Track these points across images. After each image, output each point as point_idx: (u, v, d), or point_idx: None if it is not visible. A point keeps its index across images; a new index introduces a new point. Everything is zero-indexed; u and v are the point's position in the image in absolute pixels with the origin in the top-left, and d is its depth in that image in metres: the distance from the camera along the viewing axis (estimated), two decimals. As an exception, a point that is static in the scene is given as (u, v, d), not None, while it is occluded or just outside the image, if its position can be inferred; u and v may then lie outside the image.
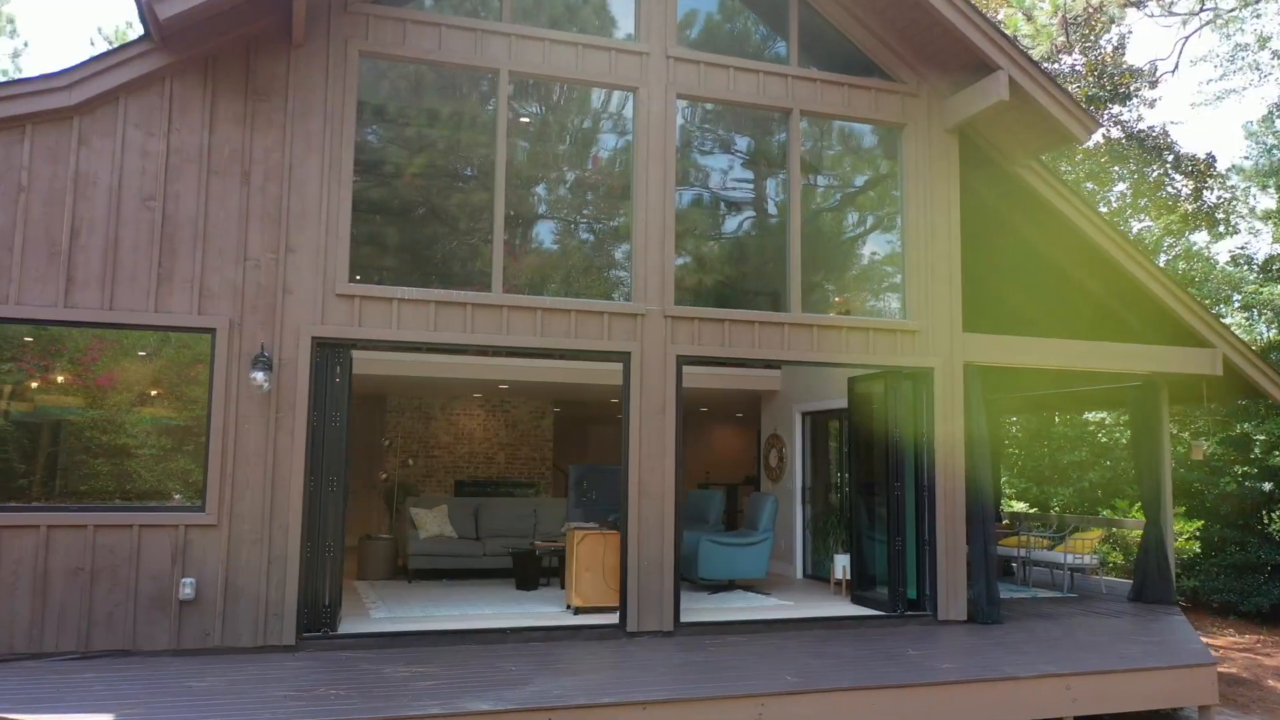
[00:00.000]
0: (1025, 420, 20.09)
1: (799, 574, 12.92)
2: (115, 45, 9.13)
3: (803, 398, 13.12)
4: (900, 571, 9.89)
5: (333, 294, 8.29)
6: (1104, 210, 22.14)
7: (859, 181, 10.43)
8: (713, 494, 12.66)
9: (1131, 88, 21.92)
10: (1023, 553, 13.05)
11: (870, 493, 10.49)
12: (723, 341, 9.35)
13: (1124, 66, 21.96)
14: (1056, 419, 20.17)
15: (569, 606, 9.52)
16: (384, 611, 9.41)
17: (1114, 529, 15.58)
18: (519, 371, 13.65)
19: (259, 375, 7.85)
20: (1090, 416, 19.84)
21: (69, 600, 7.52)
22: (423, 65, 8.86)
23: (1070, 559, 12.42)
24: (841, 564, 11.02)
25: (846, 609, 10.20)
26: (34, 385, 7.80)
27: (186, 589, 7.72)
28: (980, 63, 9.66)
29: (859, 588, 10.51)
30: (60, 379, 7.88)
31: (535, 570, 11.15)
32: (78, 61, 7.80)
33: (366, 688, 6.73)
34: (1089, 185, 21.96)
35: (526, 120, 9.25)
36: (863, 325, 9.82)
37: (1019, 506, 18.59)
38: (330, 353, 8.32)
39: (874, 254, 10.53)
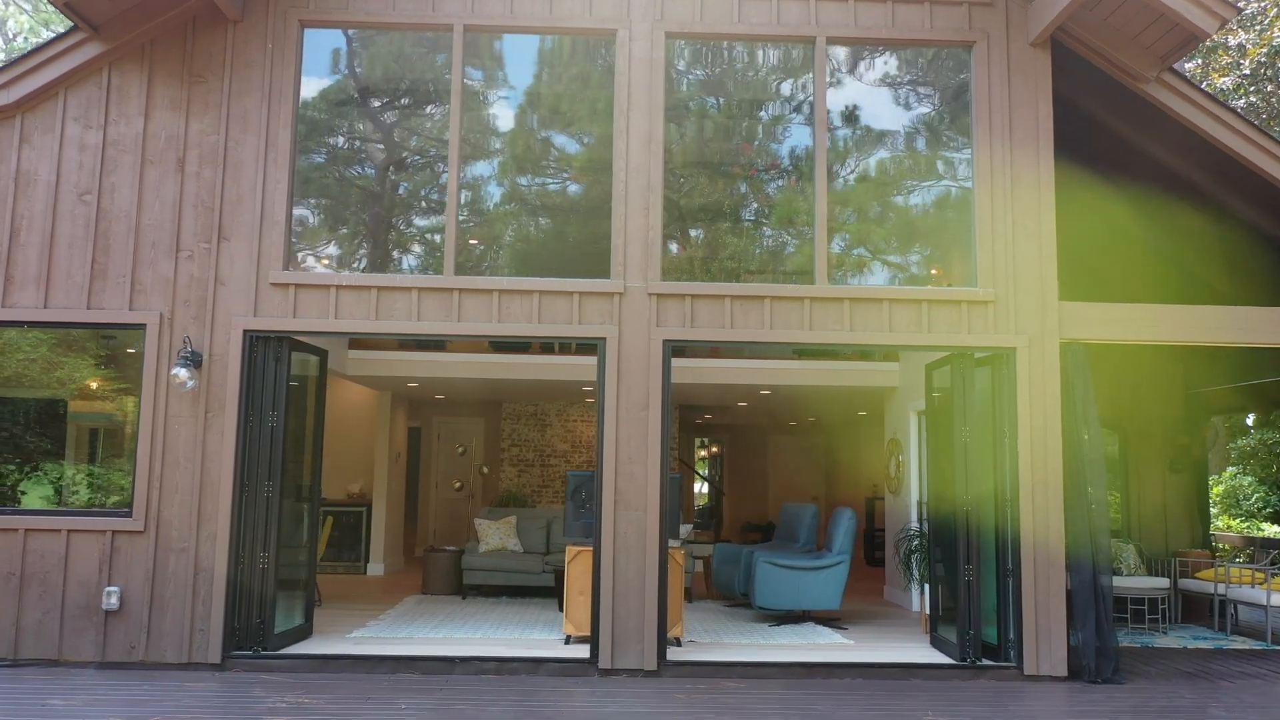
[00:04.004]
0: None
1: (915, 605, 10.76)
2: (53, 36, 8.98)
3: (918, 394, 10.97)
4: (973, 609, 7.74)
5: (267, 283, 7.65)
6: None
7: (911, 119, 8.39)
8: (805, 508, 10.83)
9: None
10: (1221, 589, 10.10)
11: (952, 509, 8.35)
12: (724, 322, 7.76)
13: None
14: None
15: (566, 635, 8.27)
16: (372, 631, 8.63)
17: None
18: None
19: (181, 372, 7.34)
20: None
21: (1, 606, 7.34)
22: (372, 30, 8.06)
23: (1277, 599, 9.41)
24: (927, 596, 8.91)
25: (917, 653, 8.14)
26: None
27: (112, 599, 7.32)
28: (1059, -52, 7.42)
29: (939, 627, 8.39)
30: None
31: (578, 590, 9.94)
32: (14, 56, 7.75)
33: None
34: None
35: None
36: (913, 297, 7.82)
37: (1271, 530, 14.84)
38: (267, 347, 7.67)
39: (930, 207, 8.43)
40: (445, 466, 16.00)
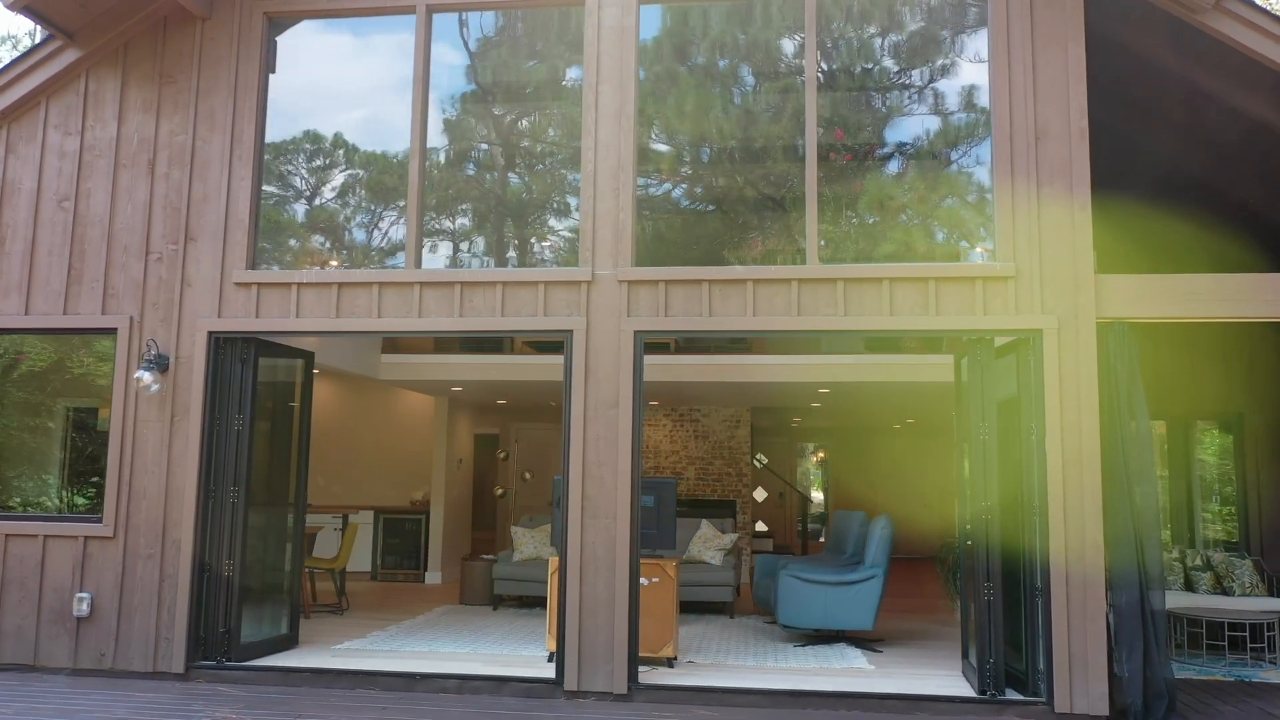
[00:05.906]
0: None
1: (979, 626, 9.57)
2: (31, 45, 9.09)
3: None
4: (994, 633, 6.68)
5: (231, 283, 7.46)
6: None
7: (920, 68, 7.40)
8: (853, 516, 9.85)
9: None
10: (1350, 613, 8.49)
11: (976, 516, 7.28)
12: (703, 309, 7.02)
13: None
14: None
15: (550, 653, 7.70)
16: (364, 643, 8.30)
17: None
18: (717, 371, 11.70)
19: (145, 375, 7.23)
20: None
21: (-17, 610, 7.42)
22: (334, 18, 7.77)
23: None
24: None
25: (941, 683, 7.13)
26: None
27: (83, 605, 7.26)
28: None
29: (969, 653, 7.32)
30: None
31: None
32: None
33: (114, 735, 5.69)
34: None
35: None
36: (917, 274, 6.85)
37: None
38: (233, 348, 7.47)
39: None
40: (515, 473, 15.76)
